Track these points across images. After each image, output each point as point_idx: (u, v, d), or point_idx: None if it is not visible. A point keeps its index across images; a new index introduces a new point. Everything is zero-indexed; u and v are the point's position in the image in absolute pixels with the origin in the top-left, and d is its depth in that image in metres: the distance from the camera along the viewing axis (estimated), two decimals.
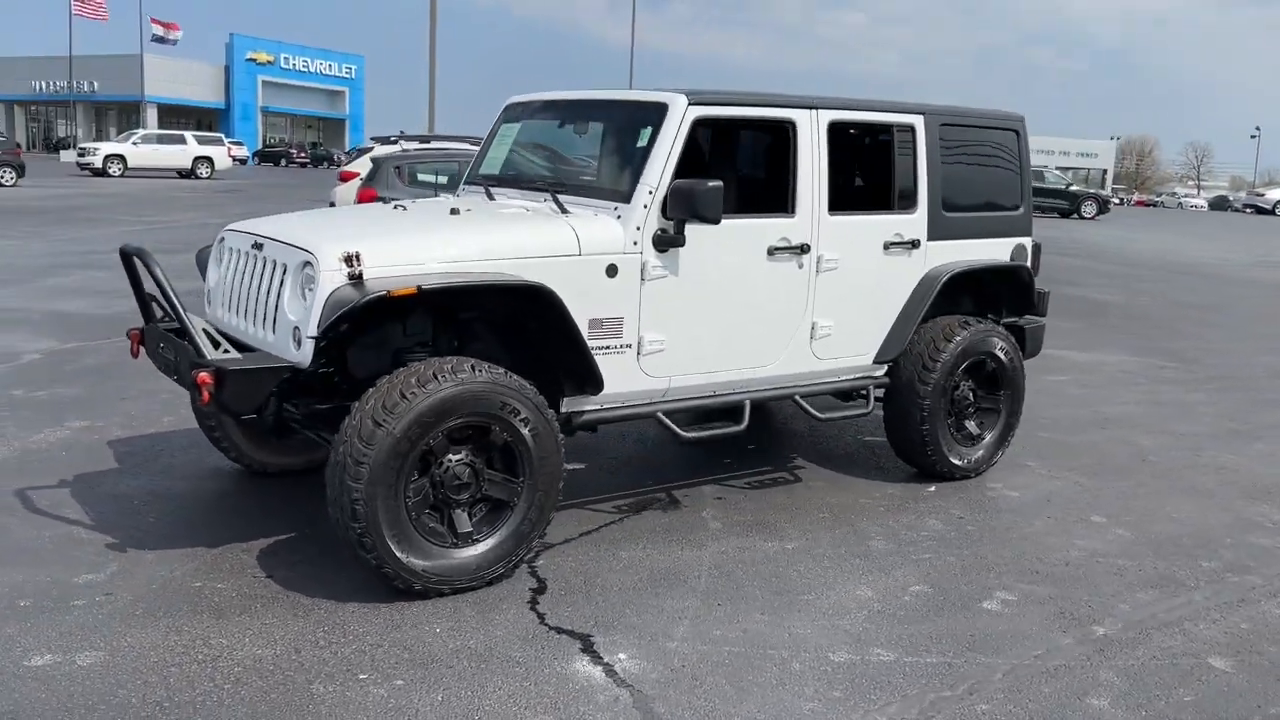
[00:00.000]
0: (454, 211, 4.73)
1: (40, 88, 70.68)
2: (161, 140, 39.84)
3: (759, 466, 5.96)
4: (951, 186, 5.68)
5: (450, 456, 4.06)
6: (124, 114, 68.79)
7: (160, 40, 62.80)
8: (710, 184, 4.49)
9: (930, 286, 5.52)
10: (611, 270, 4.51)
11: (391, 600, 4.00)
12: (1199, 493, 5.86)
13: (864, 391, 5.57)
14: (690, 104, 4.71)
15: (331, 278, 3.94)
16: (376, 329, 4.30)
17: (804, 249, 5.05)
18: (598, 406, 4.66)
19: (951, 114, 5.74)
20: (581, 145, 5.38)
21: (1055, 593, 4.39)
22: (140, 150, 38.54)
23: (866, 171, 6.11)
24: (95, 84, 67.05)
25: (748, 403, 5.07)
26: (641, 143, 4.74)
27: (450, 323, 4.47)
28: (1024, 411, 6.09)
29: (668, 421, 4.80)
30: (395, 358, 4.29)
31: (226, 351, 4.06)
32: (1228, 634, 4.08)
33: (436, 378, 3.91)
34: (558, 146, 5.44)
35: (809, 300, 5.14)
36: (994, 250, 5.89)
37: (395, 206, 4.95)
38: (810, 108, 5.08)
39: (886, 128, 5.48)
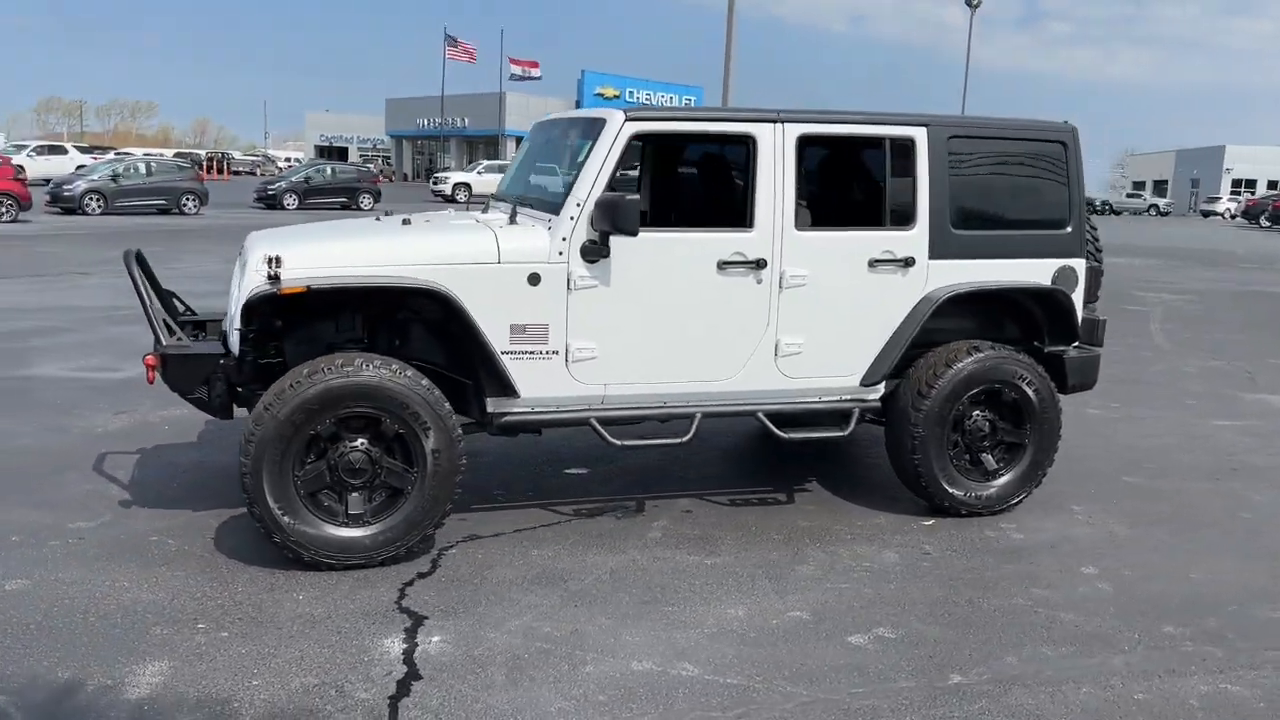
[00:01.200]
0: (406, 222, 5.14)
1: (423, 124, 79.34)
2: (503, 169, 43.71)
3: (762, 485, 5.86)
4: (966, 201, 5.33)
5: (348, 443, 4.45)
6: (488, 147, 75.72)
7: (521, 78, 68.52)
8: (628, 197, 4.60)
9: (928, 307, 5.22)
10: (534, 279, 4.72)
11: (291, 570, 4.44)
12: (1259, 555, 5.08)
13: (851, 414, 5.34)
14: (627, 120, 4.83)
15: (254, 277, 4.48)
16: (310, 325, 4.78)
17: (760, 264, 4.97)
18: (527, 409, 4.87)
19: (967, 125, 5.40)
20: (561, 161, 5.61)
21: (946, 636, 4.07)
22: (483, 179, 42.43)
23: (853, 186, 5.85)
24: (465, 120, 74.32)
25: (698, 416, 5.06)
26: (582, 157, 4.92)
27: (387, 322, 4.87)
28: (1135, 455, 5.56)
29: (599, 429, 4.91)
30: (327, 352, 4.74)
31: (179, 340, 4.70)
32: (1107, 703, 3.61)
33: (324, 370, 4.33)
34: (553, 163, 5.69)
35: (770, 317, 5.05)
36: (1027, 272, 5.44)
37: (378, 218, 5.42)
38: (775, 121, 5.01)
39: (876, 141, 5.26)
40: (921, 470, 5.29)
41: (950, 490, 5.33)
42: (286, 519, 4.35)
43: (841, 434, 5.30)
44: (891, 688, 3.66)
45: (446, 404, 4.51)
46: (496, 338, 4.71)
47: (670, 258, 4.90)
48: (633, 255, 4.82)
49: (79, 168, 35.40)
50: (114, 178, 29.07)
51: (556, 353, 4.81)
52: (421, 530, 4.53)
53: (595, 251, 4.74)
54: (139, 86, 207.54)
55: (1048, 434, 5.45)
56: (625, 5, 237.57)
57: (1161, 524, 5.48)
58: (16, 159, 46.52)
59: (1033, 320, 5.64)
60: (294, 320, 4.74)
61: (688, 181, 6.18)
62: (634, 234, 4.67)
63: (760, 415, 5.16)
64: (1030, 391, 5.37)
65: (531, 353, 4.78)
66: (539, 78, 69.22)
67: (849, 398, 5.33)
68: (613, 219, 4.62)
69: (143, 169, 30.39)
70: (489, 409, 4.83)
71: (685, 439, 5.04)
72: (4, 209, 24.10)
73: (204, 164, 54.32)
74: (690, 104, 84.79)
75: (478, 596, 4.27)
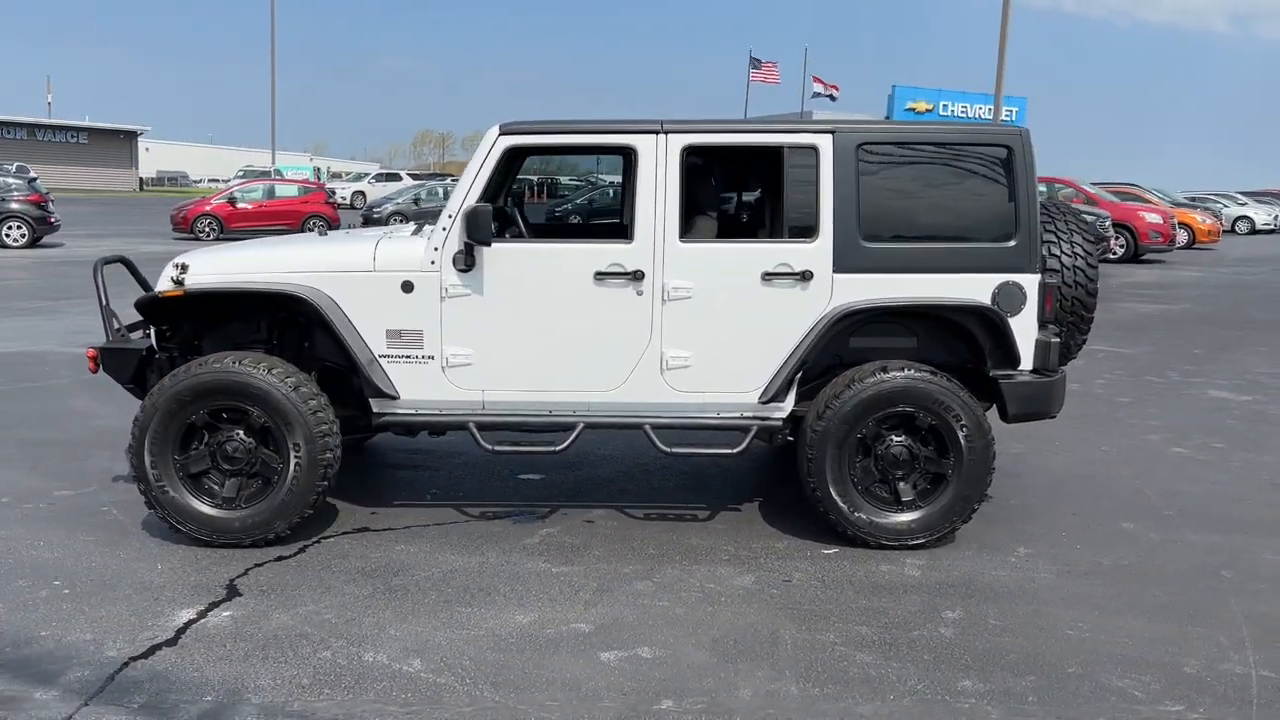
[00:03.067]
0: (322, 233, 5.56)
1: None
2: None
3: (697, 502, 5.74)
4: (882, 213, 5.00)
5: (225, 432, 4.91)
6: None
7: (820, 96, 68.33)
8: (478, 206, 4.77)
9: (831, 323, 4.95)
10: (407, 286, 4.98)
11: (188, 547, 4.95)
12: (1193, 616, 4.37)
13: (749, 431, 5.14)
14: (501, 134, 4.98)
15: (164, 282, 5.07)
16: (225, 326, 5.30)
17: (638, 275, 4.94)
18: (409, 411, 5.13)
19: (883, 132, 5.06)
20: None
21: (703, 662, 3.88)
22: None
23: (749, 197, 5.57)
24: None
25: (579, 426, 5.09)
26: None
27: (294, 325, 5.30)
28: (1156, 501, 5.09)
29: (475, 433, 5.07)
30: (235, 350, 5.25)
31: (121, 334, 5.38)
32: None
33: (194, 368, 4.82)
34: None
35: (653, 329, 5.00)
36: (960, 288, 5.00)
37: (320, 233, 5.87)
38: (657, 133, 4.97)
39: (773, 150, 5.04)
40: (819, 494, 5.01)
41: (853, 517, 5.00)
42: (178, 494, 4.86)
43: (731, 451, 5.12)
44: (594, 705, 3.58)
45: (313, 402, 4.85)
46: (373, 341, 5.02)
47: (544, 268, 4.99)
48: (505, 265, 4.96)
49: None
50: (416, 200, 32.05)
51: (432, 358, 5.03)
52: (288, 519, 4.90)
53: (465, 261, 4.92)
54: (500, 117, 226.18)
55: (975, 465, 4.97)
56: (943, 17, 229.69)
57: (1100, 576, 4.83)
58: (357, 186, 52.31)
59: (978, 342, 5.16)
60: (213, 322, 5.29)
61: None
62: (486, 244, 4.83)
63: (647, 429, 5.10)
64: (950, 418, 4.93)
65: (408, 357, 5.04)
66: (836, 98, 68.69)
67: (749, 415, 5.14)
68: (468, 228, 4.80)
69: (440, 192, 33.32)
70: (373, 409, 5.13)
71: (560, 448, 5.09)
72: (315, 229, 27.34)
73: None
74: (1012, 116, 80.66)
75: (304, 582, 4.58)
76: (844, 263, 4.96)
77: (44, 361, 9.63)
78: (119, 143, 63.65)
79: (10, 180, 24.07)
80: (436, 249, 4.97)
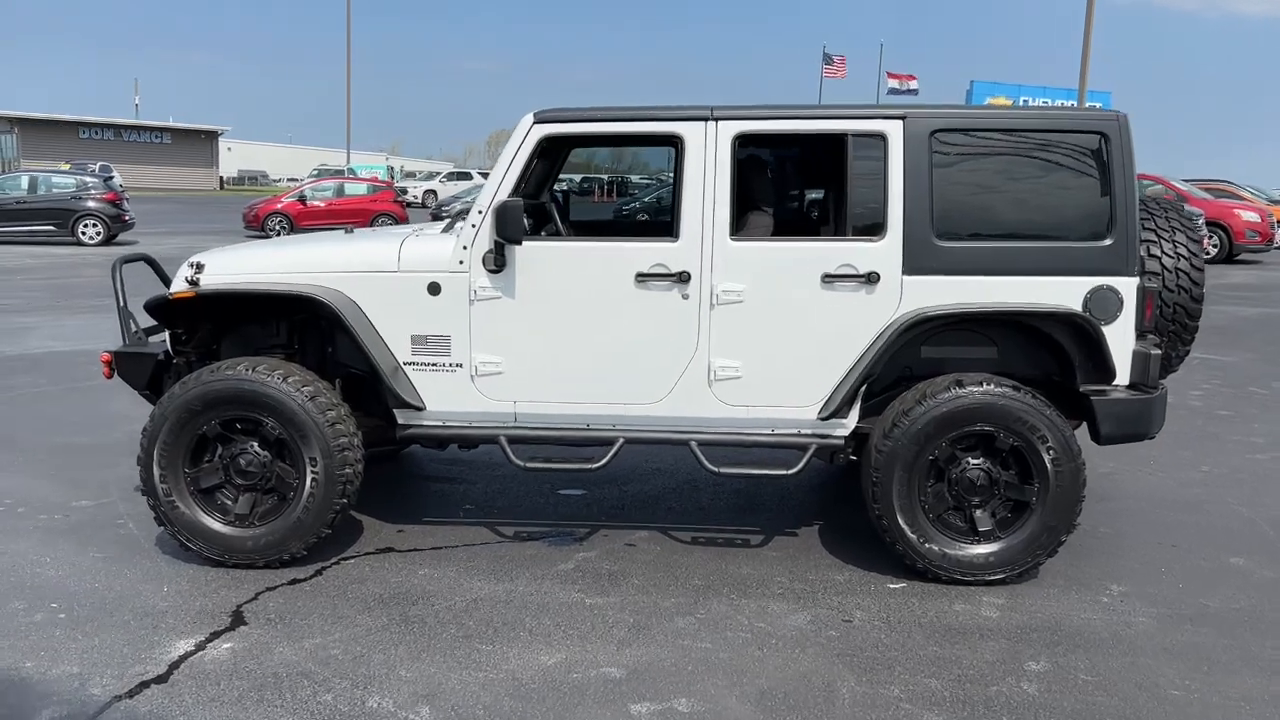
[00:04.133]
0: (348, 231, 5.19)
1: None
2: None
3: (751, 525, 5.26)
4: (958, 208, 4.48)
5: (239, 444, 4.57)
6: None
7: (898, 92, 66.96)
8: (509, 202, 4.36)
9: (900, 331, 4.43)
10: (434, 288, 4.59)
11: (199, 566, 4.62)
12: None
13: (807, 450, 4.64)
14: (536, 122, 4.56)
15: (179, 283, 4.75)
16: (242, 330, 4.96)
17: (683, 277, 4.48)
18: (436, 423, 4.73)
19: (957, 117, 4.52)
20: None
21: (749, 717, 3.42)
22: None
23: (808, 191, 5.05)
24: None
25: (619, 442, 4.65)
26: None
27: (316, 329, 4.93)
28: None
29: (505, 448, 4.66)
30: (255, 356, 4.90)
31: (139, 337, 5.07)
32: None
33: (204, 375, 4.48)
34: None
35: (700, 336, 4.53)
36: (1046, 292, 4.45)
37: (347, 230, 5.50)
38: (706, 119, 4.50)
39: (835, 138, 4.54)
40: (885, 523, 4.49)
41: (923, 549, 4.48)
42: (177, 509, 4.54)
43: (786, 472, 4.63)
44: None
45: (332, 413, 4.48)
46: (398, 347, 4.64)
47: (581, 269, 4.55)
48: (539, 266, 4.55)
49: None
50: None
51: (460, 366, 4.63)
52: (303, 539, 4.54)
53: (495, 261, 4.51)
54: None
55: (1062, 492, 4.41)
56: (1023, 9, 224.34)
57: (1208, 621, 4.24)
58: (429, 185, 52.64)
59: (1067, 354, 4.59)
60: (232, 325, 4.95)
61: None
62: (517, 242, 4.42)
63: (693, 446, 4.64)
64: (1034, 440, 4.38)
65: (434, 365, 4.64)
66: (916, 91, 67.33)
67: (807, 432, 4.64)
68: (497, 225, 4.39)
69: None
70: (398, 420, 4.75)
71: (597, 465, 4.65)
72: (383, 225, 27.35)
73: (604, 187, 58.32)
74: (1097, 110, 78.34)
75: (315, 609, 4.20)
76: (915, 264, 4.44)
77: (94, 361, 9.47)
78: (200, 142, 64.85)
79: (87, 179, 24.44)
80: (465, 248, 4.57)
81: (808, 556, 4.85)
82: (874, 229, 4.47)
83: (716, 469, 4.64)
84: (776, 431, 4.65)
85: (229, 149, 76.56)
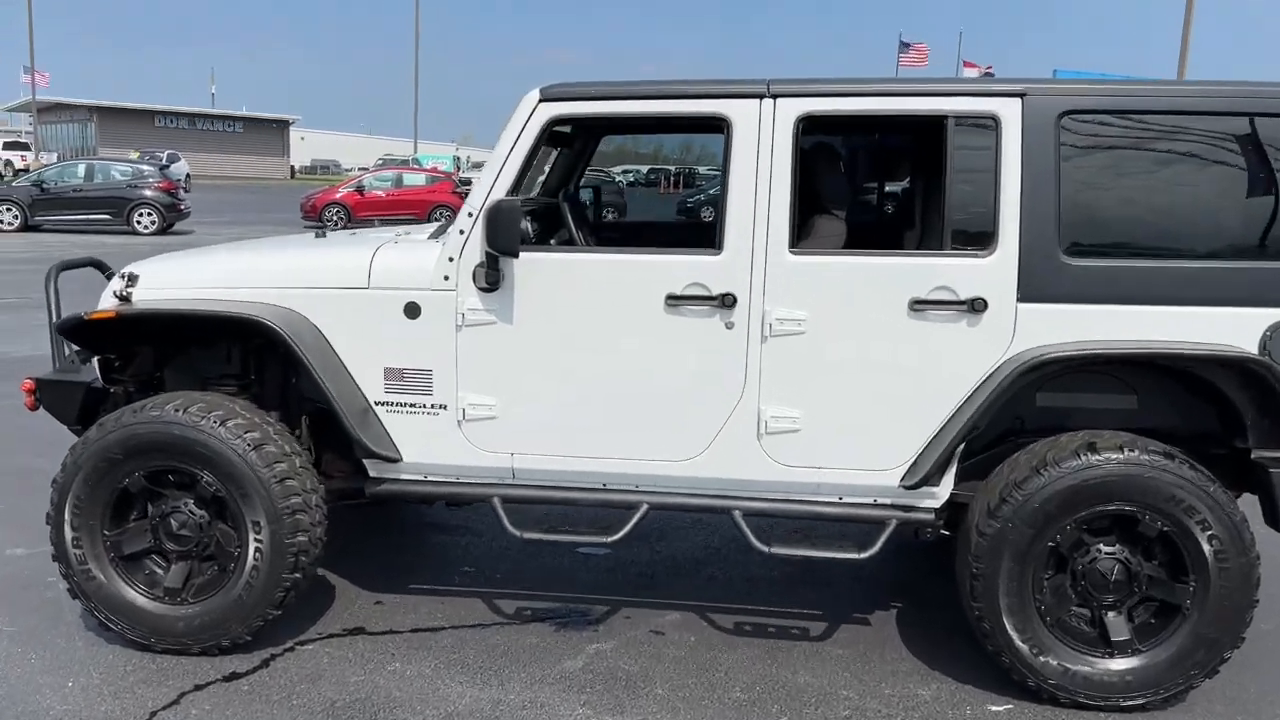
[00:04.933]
0: (320, 234, 4.27)
1: None
2: None
3: (811, 606, 4.22)
4: (1093, 215, 3.40)
5: (170, 502, 3.67)
6: None
7: None
8: (503, 203, 3.39)
9: (1014, 375, 3.36)
10: (412, 310, 3.64)
11: (122, 652, 3.75)
12: None
13: (885, 526, 3.60)
14: (542, 100, 3.57)
15: (107, 298, 3.86)
16: (189, 356, 4.05)
17: (727, 301, 3.47)
18: (415, 478, 3.79)
19: (1098, 95, 3.42)
20: None
21: None
22: None
23: (893, 191, 3.96)
24: None
25: (642, 508, 3.65)
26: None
27: (274, 356, 4.01)
28: None
29: (500, 512, 3.69)
30: (204, 387, 4.00)
31: (73, 362, 4.19)
32: None
33: (125, 416, 3.58)
34: None
35: (747, 376, 3.52)
36: (1210, 327, 3.35)
37: (318, 234, 4.55)
38: (761, 97, 3.47)
39: (931, 122, 3.47)
40: (988, 626, 3.43)
41: (1038, 662, 3.41)
42: (94, 580, 3.66)
43: (858, 556, 3.58)
44: None
45: (281, 466, 3.55)
46: (367, 384, 3.70)
47: (596, 288, 3.56)
48: (543, 283, 3.57)
49: None
50: None
51: (444, 407, 3.68)
52: (246, 622, 3.62)
53: (488, 277, 3.54)
54: None
55: (1227, 594, 3.31)
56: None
57: None
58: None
59: (1235, 407, 3.48)
60: (175, 349, 4.06)
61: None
62: (511, 253, 3.44)
63: (737, 516, 3.62)
64: (1192, 524, 3.28)
65: (412, 406, 3.69)
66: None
67: (885, 502, 3.60)
68: (488, 232, 3.42)
69: None
70: (369, 472, 3.81)
71: (613, 539, 3.66)
72: (441, 218, 26.69)
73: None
74: None
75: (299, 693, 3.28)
76: (1034, 287, 3.37)
77: None
78: (272, 131, 65.17)
79: (144, 168, 24.11)
80: (451, 260, 3.61)
81: (883, 657, 3.80)
82: (980, 241, 3.41)
83: (767, 548, 3.61)
84: (846, 500, 3.61)
85: (302, 138, 77.07)
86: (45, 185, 22.41)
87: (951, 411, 3.46)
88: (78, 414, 4.04)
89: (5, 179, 30.68)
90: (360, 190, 26.51)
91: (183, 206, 22.98)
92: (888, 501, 3.60)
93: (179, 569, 3.69)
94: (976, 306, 3.38)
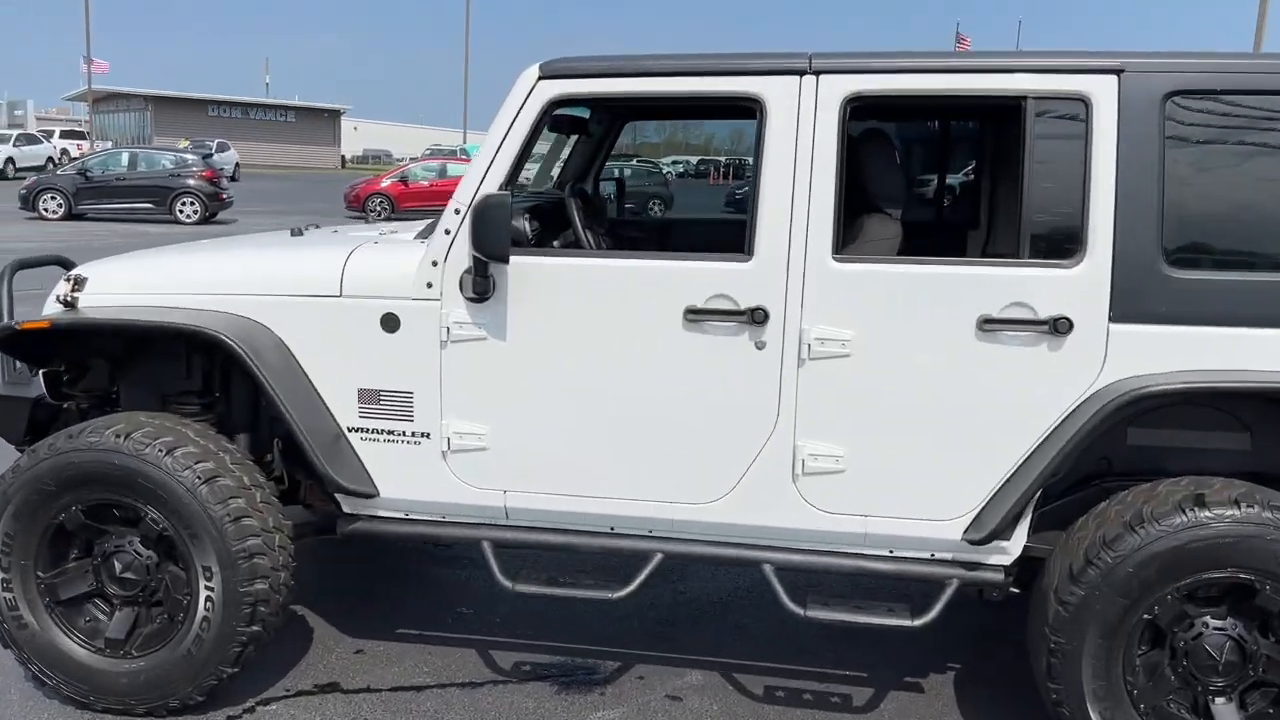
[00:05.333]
0: (295, 232, 3.76)
1: None
2: None
3: (855, 668, 3.64)
4: (1205, 218, 2.80)
5: (116, 540, 3.20)
6: None
7: None
8: (492, 199, 2.86)
9: (1104, 412, 2.77)
10: (390, 323, 3.13)
11: (72, 705, 3.29)
12: None
13: (945, 587, 3.02)
14: (542, 78, 3.03)
15: (50, 304, 3.40)
16: (147, 370, 3.56)
17: (758, 316, 2.91)
18: (394, 515, 3.28)
19: (1214, 72, 2.80)
20: None
21: None
22: None
23: (957, 186, 3.37)
24: None
25: (657, 556, 3.11)
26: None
27: (241, 371, 3.51)
28: None
29: (490, 558, 3.16)
30: (164, 405, 3.52)
31: (24, 373, 3.73)
32: None
33: (60, 442, 3.11)
34: None
35: (781, 406, 2.96)
36: None
37: (294, 232, 4.04)
38: (801, 73, 2.90)
39: (1006, 104, 2.88)
40: (1067, 711, 2.85)
41: None
42: (26, 629, 3.20)
43: (911, 624, 3.01)
44: None
45: (236, 503, 3.05)
46: (339, 407, 3.21)
47: (602, 299, 3.02)
48: (541, 293, 3.04)
49: None
50: None
51: (427, 436, 3.16)
52: (196, 681, 3.14)
53: (476, 285, 3.02)
54: None
55: None
56: None
57: None
58: None
59: None
60: (133, 360, 3.58)
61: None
62: (500, 258, 2.91)
63: (768, 569, 3.06)
64: None
65: (391, 434, 3.18)
66: None
67: (946, 558, 3.02)
68: (474, 233, 2.90)
69: (627, 171, 31.66)
70: (344, 508, 3.30)
71: (619, 595, 3.12)
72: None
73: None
74: None
75: None
76: (1130, 304, 2.78)
77: None
78: (323, 121, 65.33)
79: (187, 156, 23.95)
80: (435, 264, 3.09)
81: None
82: (1065, 248, 2.82)
83: (803, 611, 3.05)
84: (897, 554, 3.04)
85: (355, 128, 77.36)
86: (89, 173, 22.37)
87: (1027, 452, 2.88)
88: (24, 433, 3.58)
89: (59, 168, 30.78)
90: (404, 180, 26.18)
91: (224, 196, 22.78)
92: (948, 557, 3.02)
93: (123, 617, 3.22)
94: (1060, 327, 2.79)
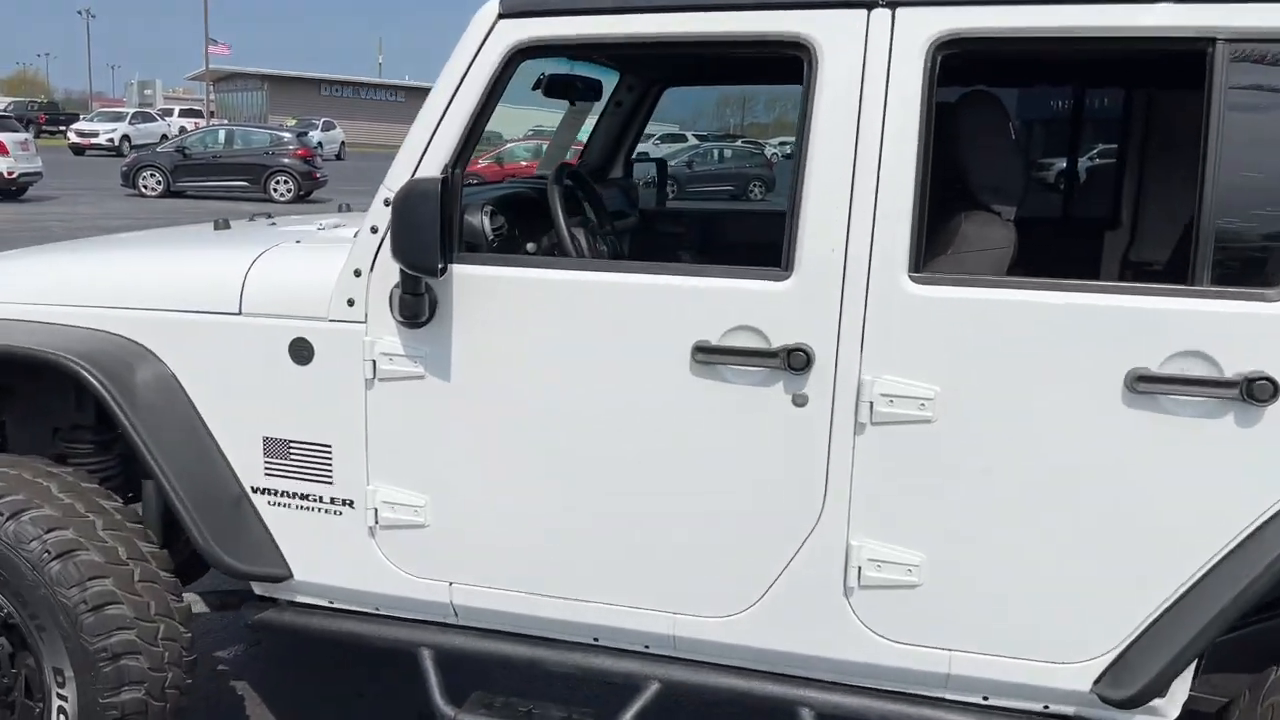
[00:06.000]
0: (219, 225, 2.96)
1: None
2: None
3: None
4: None
5: None
6: None
7: None
8: (419, 184, 2.02)
9: None
10: (300, 350, 2.31)
11: None
12: None
13: None
14: (503, 15, 2.16)
15: None
16: (38, 398, 2.83)
17: (795, 360, 2.00)
18: (314, 602, 2.48)
19: None
20: None
21: None
22: None
23: (1097, 172, 2.36)
24: None
25: (653, 687, 2.24)
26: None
27: None
28: None
29: (429, 672, 2.33)
30: (51, 439, 2.79)
31: None
32: None
33: None
34: None
35: (828, 486, 2.05)
36: None
37: (217, 225, 3.22)
38: (871, 4, 1.97)
39: (1179, 49, 1.90)
40: None
41: None
42: None
43: None
44: None
45: (100, 586, 2.29)
46: (240, 459, 2.40)
47: (580, 329, 2.14)
48: (496, 318, 2.18)
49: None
50: (689, 164, 29.32)
51: (349, 504, 2.35)
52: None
53: (407, 304, 2.18)
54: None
55: None
56: None
57: None
58: (643, 147, 51.24)
59: None
60: (17, 386, 2.84)
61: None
62: (426, 270, 2.06)
63: (804, 715, 2.16)
64: None
65: (304, 498, 2.38)
66: None
67: (1066, 713, 2.07)
68: (394, 232, 2.06)
69: (716, 154, 30.45)
70: (254, 590, 2.51)
71: None
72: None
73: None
74: None
75: None
76: None
77: None
78: None
79: (283, 134, 23.83)
80: (359, 274, 2.25)
81: None
82: (1266, 272, 1.84)
83: None
84: (994, 704, 2.10)
85: None
86: (187, 151, 22.40)
87: (1203, 568, 1.92)
88: None
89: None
90: (500, 161, 25.62)
91: (318, 175, 22.56)
92: (1069, 713, 2.07)
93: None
94: (1256, 392, 1.82)
